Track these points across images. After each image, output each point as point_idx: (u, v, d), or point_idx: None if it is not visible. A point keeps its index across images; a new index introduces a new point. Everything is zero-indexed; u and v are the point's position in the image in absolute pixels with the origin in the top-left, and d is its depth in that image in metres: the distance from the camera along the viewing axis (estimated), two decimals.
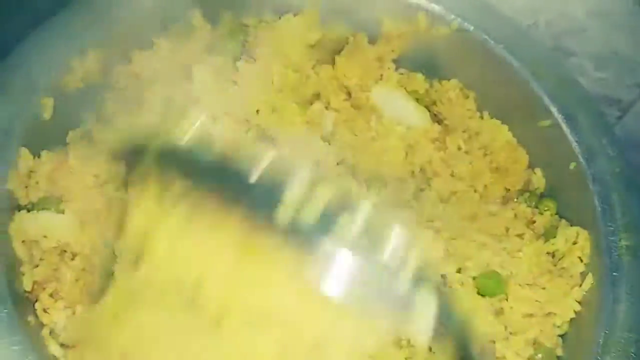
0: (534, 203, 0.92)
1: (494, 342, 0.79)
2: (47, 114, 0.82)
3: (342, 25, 0.99)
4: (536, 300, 0.81)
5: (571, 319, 0.82)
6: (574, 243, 0.86)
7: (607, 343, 0.74)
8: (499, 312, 0.81)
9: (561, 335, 0.81)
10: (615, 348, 0.74)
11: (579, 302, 0.81)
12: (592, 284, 0.81)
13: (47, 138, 0.83)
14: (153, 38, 0.94)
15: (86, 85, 0.88)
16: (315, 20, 0.97)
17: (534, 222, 0.89)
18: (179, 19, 0.95)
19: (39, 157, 0.81)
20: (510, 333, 0.80)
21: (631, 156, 1.22)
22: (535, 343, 0.79)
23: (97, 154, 0.83)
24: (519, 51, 0.95)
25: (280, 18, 0.98)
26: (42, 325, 0.72)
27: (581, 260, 0.84)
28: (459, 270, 0.82)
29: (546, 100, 0.93)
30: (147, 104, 0.88)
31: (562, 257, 0.85)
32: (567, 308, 0.81)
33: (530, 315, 0.81)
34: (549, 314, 0.81)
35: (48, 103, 0.82)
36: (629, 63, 1.11)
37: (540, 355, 0.78)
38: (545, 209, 0.92)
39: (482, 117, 0.98)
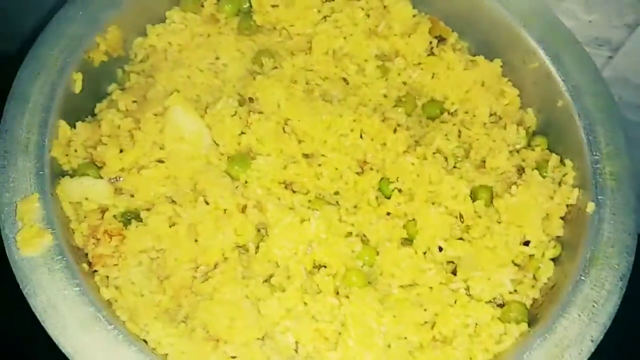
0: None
1: None
2: (77, 88, 0.91)
3: None
4: None
5: (561, 242, 0.90)
6: (564, 175, 0.94)
7: (594, 257, 0.83)
8: None
9: (553, 259, 0.90)
10: (600, 261, 0.83)
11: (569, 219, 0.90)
12: (579, 206, 0.89)
13: (79, 110, 0.92)
14: (165, 12, 1.02)
15: (108, 60, 0.96)
16: None
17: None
18: None
19: (74, 127, 0.89)
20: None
21: (622, 93, 1.28)
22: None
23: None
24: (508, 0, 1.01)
25: None
26: (94, 273, 0.82)
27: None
28: None
29: (533, 43, 1.00)
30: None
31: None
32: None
33: None
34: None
35: (78, 78, 0.90)
36: (617, 5, 1.15)
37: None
38: (537, 144, 0.99)
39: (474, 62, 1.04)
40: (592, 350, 0.78)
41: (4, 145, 0.82)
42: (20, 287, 0.75)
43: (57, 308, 0.74)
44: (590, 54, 1.07)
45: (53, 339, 0.73)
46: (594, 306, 0.80)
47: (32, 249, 0.76)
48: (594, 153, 0.91)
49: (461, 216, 0.89)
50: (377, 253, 0.86)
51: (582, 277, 0.82)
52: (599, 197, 0.88)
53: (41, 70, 0.87)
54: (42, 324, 0.74)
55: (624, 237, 0.84)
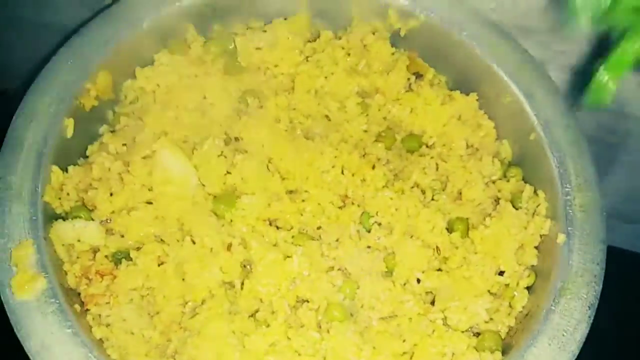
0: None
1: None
2: (69, 133, 0.95)
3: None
4: None
5: (535, 271, 0.94)
6: (537, 205, 0.98)
7: (563, 287, 0.87)
8: None
9: (528, 288, 0.94)
10: (569, 291, 0.86)
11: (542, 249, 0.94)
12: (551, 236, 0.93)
13: (70, 154, 0.96)
14: (153, 54, 1.06)
15: (99, 103, 1.01)
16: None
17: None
18: (174, 35, 1.07)
19: (66, 171, 0.93)
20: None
21: (599, 118, 1.32)
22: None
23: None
24: (480, 37, 1.06)
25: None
26: (86, 312, 0.86)
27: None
28: None
29: (506, 78, 1.04)
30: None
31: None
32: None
33: None
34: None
35: (70, 123, 0.94)
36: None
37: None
38: (512, 175, 1.04)
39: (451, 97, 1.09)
40: None
41: None
42: (15, 331, 0.79)
43: (50, 350, 0.78)
44: (564, 80, 1.11)
45: None
46: (563, 335, 0.84)
47: (26, 294, 0.80)
48: (565, 185, 0.95)
49: (438, 249, 0.93)
50: (358, 286, 0.89)
51: (552, 307, 0.86)
52: (569, 228, 0.92)
53: (34, 118, 0.92)
54: None
55: (592, 267, 0.88)
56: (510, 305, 0.93)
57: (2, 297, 0.80)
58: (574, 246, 0.90)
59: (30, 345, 0.78)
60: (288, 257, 0.89)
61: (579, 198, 0.94)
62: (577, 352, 0.82)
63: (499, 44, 1.06)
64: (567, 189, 0.95)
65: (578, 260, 0.89)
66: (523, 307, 0.92)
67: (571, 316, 0.85)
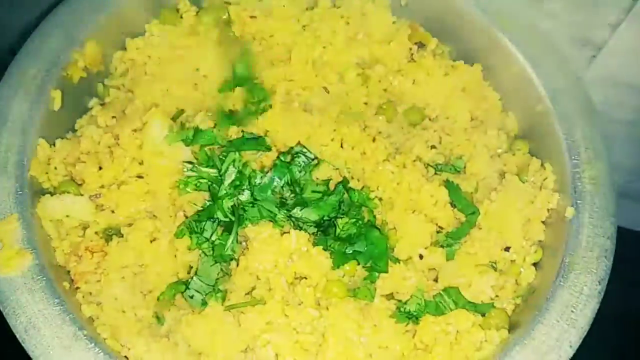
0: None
1: None
2: (56, 106, 0.91)
3: None
4: None
5: (542, 247, 0.91)
6: (545, 179, 0.95)
7: (572, 262, 0.84)
8: None
9: (535, 264, 0.90)
10: (578, 266, 0.83)
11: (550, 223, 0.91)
12: (559, 210, 0.90)
13: (58, 127, 0.92)
14: (144, 25, 1.02)
15: (88, 75, 0.97)
16: None
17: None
18: (166, 4, 1.02)
19: (54, 145, 0.90)
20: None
21: (606, 92, 1.28)
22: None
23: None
24: (486, 4, 1.02)
25: None
26: (76, 290, 0.83)
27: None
28: None
29: (512, 48, 1.00)
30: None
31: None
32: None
33: None
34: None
35: (57, 95, 0.90)
36: (599, 4, 1.15)
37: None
38: (518, 148, 1.00)
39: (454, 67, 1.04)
40: (571, 355, 0.78)
41: None
42: (0, 307, 0.76)
43: (38, 328, 0.75)
44: (573, 54, 1.07)
45: (34, 359, 0.74)
46: (572, 311, 0.80)
47: (12, 270, 0.77)
48: (573, 157, 0.92)
49: (440, 227, 0.89)
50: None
51: (561, 282, 0.82)
52: (578, 201, 0.88)
53: (19, 89, 0.88)
54: (23, 344, 0.75)
55: (603, 241, 0.85)
56: (516, 282, 0.90)
57: None
58: (583, 220, 0.86)
59: (16, 322, 0.75)
60: (285, 233, 0.85)
61: (589, 170, 0.90)
62: (587, 328, 0.79)
63: (505, 12, 1.02)
64: (575, 161, 0.92)
65: (587, 234, 0.85)
66: (529, 284, 0.89)
67: (581, 292, 0.81)
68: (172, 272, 0.85)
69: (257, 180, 0.86)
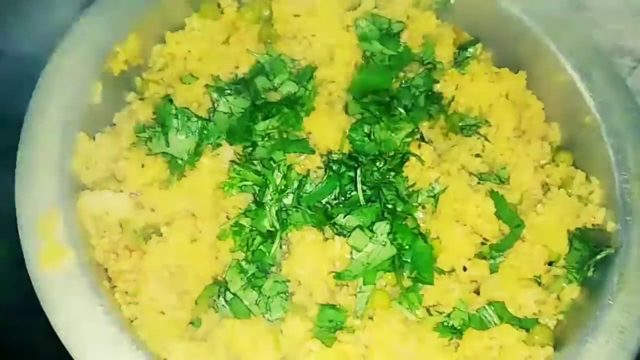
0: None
1: None
2: (97, 99, 0.89)
3: None
4: None
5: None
6: (590, 192, 0.93)
7: (621, 281, 0.82)
8: None
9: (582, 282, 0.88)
10: (628, 286, 0.81)
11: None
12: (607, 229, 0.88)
13: (98, 120, 0.90)
14: (184, 19, 1.00)
15: (129, 68, 0.95)
16: None
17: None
18: None
19: (94, 139, 0.88)
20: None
21: None
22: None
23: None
24: (534, 10, 0.99)
25: None
26: (114, 289, 0.81)
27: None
28: None
29: (560, 56, 0.98)
30: None
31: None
32: None
33: None
34: None
35: (97, 88, 0.88)
36: None
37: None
38: (562, 160, 0.98)
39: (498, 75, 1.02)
40: None
41: (23, 160, 0.80)
42: (41, 303, 0.74)
43: (79, 327, 0.73)
44: (613, 63, 1.05)
45: (75, 359, 0.72)
46: (621, 332, 0.79)
47: (53, 265, 0.75)
48: (622, 172, 0.90)
49: (485, 239, 0.88)
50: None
51: (610, 301, 0.81)
52: (627, 217, 0.86)
53: (60, 82, 0.86)
54: (63, 342, 0.73)
55: None
56: (558, 298, 0.88)
57: (27, 268, 0.75)
58: (633, 237, 0.84)
59: (57, 320, 0.73)
60: (329, 238, 0.83)
61: (639, 187, 0.88)
62: (636, 351, 0.77)
63: (554, 19, 1.00)
64: (624, 177, 0.90)
65: (638, 252, 0.83)
66: (573, 300, 0.87)
67: (630, 312, 0.80)
68: (211, 274, 0.83)
69: (307, 188, 0.83)
